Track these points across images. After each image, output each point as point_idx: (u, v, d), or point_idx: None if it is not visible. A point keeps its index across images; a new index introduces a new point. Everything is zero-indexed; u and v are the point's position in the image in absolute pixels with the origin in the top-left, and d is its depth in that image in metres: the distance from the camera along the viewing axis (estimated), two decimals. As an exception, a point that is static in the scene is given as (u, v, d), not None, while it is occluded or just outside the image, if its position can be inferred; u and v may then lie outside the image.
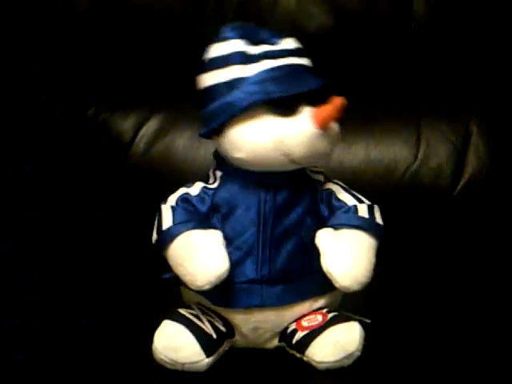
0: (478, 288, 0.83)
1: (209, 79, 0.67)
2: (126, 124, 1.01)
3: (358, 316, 0.69)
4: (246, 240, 0.67)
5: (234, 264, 0.66)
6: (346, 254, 0.66)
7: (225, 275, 0.64)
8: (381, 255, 0.88)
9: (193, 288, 0.66)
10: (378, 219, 0.70)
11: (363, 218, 0.68)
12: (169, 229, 0.67)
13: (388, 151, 0.97)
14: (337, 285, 0.66)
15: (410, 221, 0.95)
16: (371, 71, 1.01)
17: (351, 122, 0.98)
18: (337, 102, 0.63)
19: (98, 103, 1.02)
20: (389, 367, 0.67)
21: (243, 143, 0.65)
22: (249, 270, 0.67)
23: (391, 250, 0.91)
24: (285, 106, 0.64)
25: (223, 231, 0.67)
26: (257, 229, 0.67)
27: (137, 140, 1.00)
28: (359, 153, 0.98)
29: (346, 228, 0.68)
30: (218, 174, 0.70)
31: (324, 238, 0.68)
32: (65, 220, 0.95)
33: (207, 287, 0.64)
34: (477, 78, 1.00)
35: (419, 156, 0.97)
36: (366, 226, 0.68)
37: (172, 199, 0.70)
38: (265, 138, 0.64)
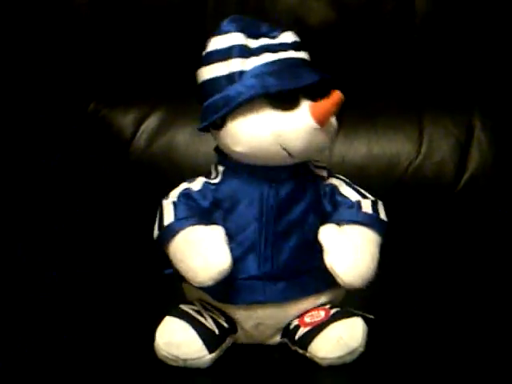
0: (481, 283, 0.83)
1: (208, 72, 0.66)
2: (127, 120, 1.01)
3: (361, 312, 0.68)
4: (248, 236, 0.67)
5: (236, 260, 0.66)
6: (350, 251, 0.66)
7: (227, 271, 0.64)
8: (384, 250, 0.88)
9: (195, 284, 0.65)
10: (382, 215, 0.69)
11: (367, 213, 0.68)
12: (170, 224, 0.66)
13: (390, 146, 0.97)
14: (340, 281, 0.66)
15: (413, 216, 0.95)
16: (373, 66, 1.01)
17: (353, 117, 0.99)
18: (335, 96, 0.63)
19: (98, 99, 1.02)
20: (392, 363, 0.66)
21: (242, 137, 0.65)
22: (251, 266, 0.67)
23: (394, 245, 0.91)
24: (284, 100, 0.64)
25: (225, 227, 0.67)
26: (259, 225, 0.66)
27: (138, 136, 1.00)
28: (361, 148, 0.97)
29: (350, 224, 0.67)
30: (220, 168, 0.69)
31: (327, 234, 0.67)
32: (66, 216, 0.94)
33: (209, 283, 0.64)
34: (480, 73, 1.00)
35: (422, 151, 0.97)
36: (370, 222, 0.67)
37: (173, 194, 0.69)
38: (264, 131, 0.64)
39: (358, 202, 0.69)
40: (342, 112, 1.00)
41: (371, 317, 0.68)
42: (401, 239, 0.91)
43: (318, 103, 0.64)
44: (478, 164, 0.96)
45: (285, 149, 0.64)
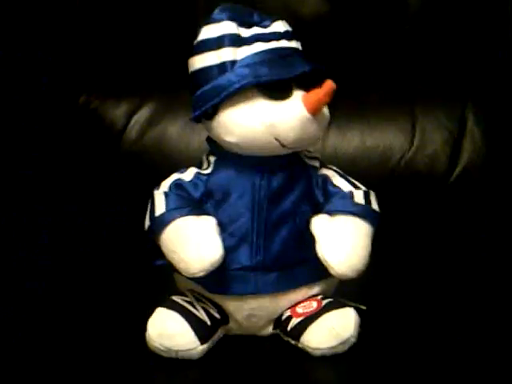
0: (474, 276, 0.83)
1: (200, 62, 0.66)
2: (118, 111, 1.00)
3: (353, 303, 0.68)
4: (240, 226, 0.66)
5: (228, 251, 0.65)
6: (342, 241, 0.66)
7: (219, 262, 0.64)
8: (376, 242, 0.88)
9: (187, 275, 0.65)
10: (374, 205, 0.69)
11: (359, 204, 0.68)
12: (162, 215, 0.66)
13: (383, 138, 0.97)
14: (332, 272, 0.66)
15: (406, 208, 0.94)
16: (366, 58, 1.00)
17: (346, 109, 0.99)
18: (328, 86, 0.63)
19: (89, 91, 1.01)
20: (384, 353, 0.66)
21: (234, 127, 0.65)
22: (243, 256, 0.66)
23: (387, 237, 0.91)
24: (276, 90, 0.64)
25: (217, 217, 0.66)
26: (251, 215, 0.66)
27: (129, 128, 1.00)
28: (354, 140, 0.97)
29: (342, 214, 0.67)
30: (212, 159, 0.69)
31: (319, 224, 0.67)
32: (57, 208, 0.94)
33: (201, 274, 0.64)
34: (472, 65, 0.99)
35: (415, 143, 0.97)
36: (362, 212, 0.67)
37: (165, 185, 0.69)
38: (256, 121, 0.64)
39: (351, 193, 0.68)
40: (334, 104, 1.00)
41: (363, 307, 0.68)
42: (394, 231, 0.91)
43: (311, 93, 0.63)
44: (470, 156, 0.96)
45: (277, 139, 0.64)
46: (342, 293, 0.71)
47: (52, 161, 0.97)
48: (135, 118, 1.00)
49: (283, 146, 0.65)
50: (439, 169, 0.96)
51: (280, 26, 0.67)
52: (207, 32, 0.66)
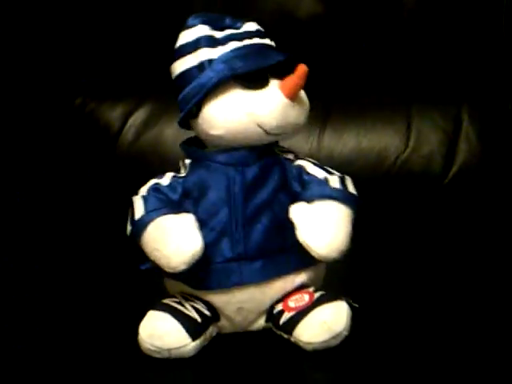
0: (468, 275, 0.83)
1: (180, 66, 0.68)
2: (114, 114, 1.01)
3: (345, 297, 0.68)
4: (220, 220, 0.67)
5: (210, 245, 0.66)
6: (321, 225, 0.66)
7: (199, 254, 0.65)
8: (372, 243, 0.88)
9: (169, 270, 0.66)
10: (351, 189, 0.70)
11: (335, 188, 0.68)
12: (141, 217, 0.67)
13: (379, 139, 0.97)
14: (315, 255, 0.66)
15: (401, 209, 0.95)
16: (362, 59, 1.00)
17: (342, 111, 0.99)
18: (300, 70, 0.65)
19: (85, 93, 1.01)
20: (376, 347, 0.66)
21: (218, 120, 0.67)
22: (225, 249, 0.67)
23: (382, 238, 0.91)
24: (253, 81, 0.66)
25: (196, 214, 0.67)
26: (229, 209, 0.67)
27: (125, 130, 1.00)
28: (350, 141, 0.97)
29: (319, 199, 0.67)
30: (187, 162, 0.71)
31: (297, 211, 0.68)
32: (52, 210, 0.94)
33: (182, 268, 0.65)
34: (467, 66, 1.00)
35: (410, 144, 0.97)
36: (338, 195, 0.68)
37: (143, 190, 0.71)
38: (238, 112, 0.66)
39: (326, 179, 0.69)
40: (330, 105, 1.01)
41: (356, 305, 0.69)
42: (389, 232, 0.92)
43: (286, 79, 0.66)
44: (465, 157, 0.96)
45: (260, 126, 0.66)
46: (335, 288, 0.71)
47: (48, 163, 0.97)
48: (131, 120, 1.00)
49: (267, 133, 0.66)
50: (435, 169, 0.96)
51: (252, 26, 0.70)
52: (183, 38, 0.69)
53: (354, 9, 0.98)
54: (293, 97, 0.66)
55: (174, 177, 0.70)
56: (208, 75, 0.66)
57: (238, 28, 0.69)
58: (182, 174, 0.70)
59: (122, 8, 1.01)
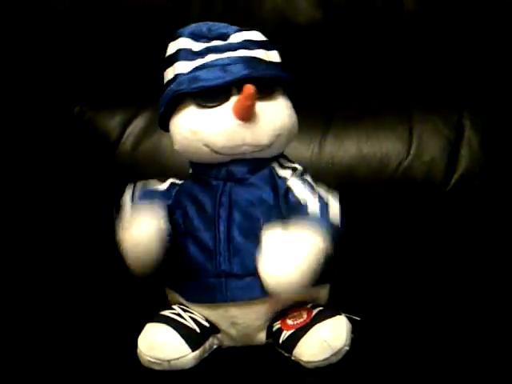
0: (470, 283, 0.83)
1: (164, 77, 0.70)
2: (113, 123, 1.01)
3: (346, 313, 0.67)
4: (206, 235, 0.67)
5: (196, 259, 0.67)
6: (279, 255, 0.63)
7: (146, 246, 0.66)
8: (374, 249, 0.88)
9: (133, 273, 0.67)
10: (333, 215, 0.65)
11: (311, 215, 0.65)
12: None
13: (380, 146, 0.97)
14: (264, 285, 0.64)
15: (403, 216, 0.94)
16: (362, 65, 1.00)
17: (343, 118, 0.98)
18: (246, 90, 0.63)
19: (83, 102, 1.01)
20: (378, 361, 0.66)
21: (174, 135, 0.68)
22: (211, 265, 0.66)
23: (384, 245, 0.91)
24: (211, 97, 0.65)
25: (185, 226, 0.68)
26: (213, 224, 0.66)
27: (124, 139, 1.00)
28: (351, 148, 0.97)
29: (292, 226, 0.64)
30: (190, 170, 0.72)
31: (266, 235, 0.64)
32: (52, 219, 0.94)
33: (136, 263, 0.66)
34: (469, 72, 0.99)
35: (412, 151, 0.97)
36: (312, 224, 0.64)
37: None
38: (184, 129, 0.67)
39: (306, 204, 0.66)
40: (331, 112, 1.00)
41: (357, 319, 0.68)
42: (391, 239, 0.91)
43: (236, 100, 0.64)
44: (467, 163, 0.96)
45: (207, 145, 0.65)
46: (336, 301, 0.70)
47: (47, 172, 0.96)
48: (129, 128, 1.00)
49: (216, 152, 0.66)
50: (437, 176, 0.96)
51: (240, 37, 0.68)
52: (168, 49, 0.70)
53: (353, 15, 0.98)
54: (244, 118, 0.64)
55: (171, 183, 0.71)
56: (171, 89, 0.66)
57: (224, 39, 0.67)
58: (180, 182, 0.71)
59: (119, 16, 1.00)
